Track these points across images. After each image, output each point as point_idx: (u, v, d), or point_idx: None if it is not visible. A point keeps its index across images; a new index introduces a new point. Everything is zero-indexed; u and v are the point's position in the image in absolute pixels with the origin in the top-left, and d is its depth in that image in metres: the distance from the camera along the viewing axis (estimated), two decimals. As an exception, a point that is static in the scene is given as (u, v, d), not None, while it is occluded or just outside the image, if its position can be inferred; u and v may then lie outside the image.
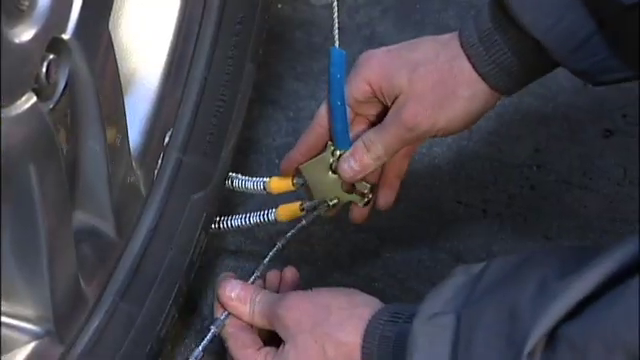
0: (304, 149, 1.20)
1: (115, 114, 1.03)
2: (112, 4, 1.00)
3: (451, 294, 0.96)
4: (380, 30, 1.65)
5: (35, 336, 0.98)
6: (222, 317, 1.13)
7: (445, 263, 1.41)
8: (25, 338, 0.98)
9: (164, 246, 1.16)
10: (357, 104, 1.16)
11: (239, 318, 1.13)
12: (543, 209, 1.47)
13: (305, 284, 1.38)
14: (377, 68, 1.14)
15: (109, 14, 1.00)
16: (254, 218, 1.23)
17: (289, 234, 1.21)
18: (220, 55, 1.20)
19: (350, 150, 1.17)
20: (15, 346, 0.97)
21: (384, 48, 1.16)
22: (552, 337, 0.83)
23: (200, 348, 1.13)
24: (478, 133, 1.55)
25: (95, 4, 0.94)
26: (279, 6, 1.62)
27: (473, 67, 1.10)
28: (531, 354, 0.84)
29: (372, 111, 1.18)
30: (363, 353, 1.01)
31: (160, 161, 1.16)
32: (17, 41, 0.84)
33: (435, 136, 1.15)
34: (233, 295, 1.13)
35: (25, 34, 0.85)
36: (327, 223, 1.41)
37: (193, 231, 1.20)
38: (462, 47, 1.10)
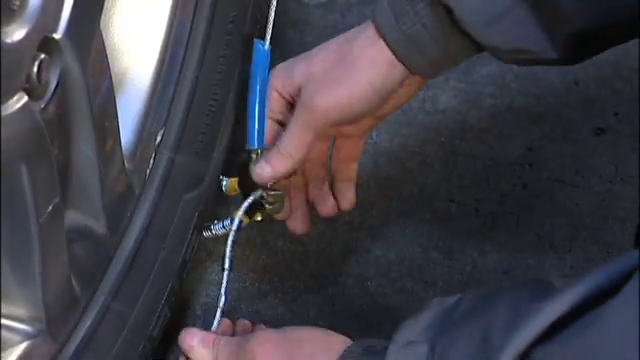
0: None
1: (107, 113, 1.03)
2: (103, 3, 1.00)
3: (426, 324, 0.95)
4: (372, 29, 1.65)
5: (27, 336, 0.98)
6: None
7: (437, 262, 1.41)
8: (17, 338, 0.98)
9: (156, 246, 1.16)
10: (278, 115, 1.13)
11: None
12: (535, 207, 1.48)
13: (297, 283, 1.39)
14: (279, 72, 1.10)
15: (100, 13, 1.00)
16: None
17: (229, 244, 1.16)
18: (212, 54, 1.20)
19: (262, 155, 1.12)
20: (7, 346, 0.97)
21: (288, 60, 1.13)
22: (526, 357, 0.82)
23: None
24: (470, 132, 1.55)
25: (86, 3, 0.94)
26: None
27: (381, 36, 1.06)
28: None
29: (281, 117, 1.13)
30: None
31: (152, 161, 1.15)
32: (8, 41, 0.84)
33: (347, 121, 1.10)
34: (195, 342, 1.09)
35: (16, 34, 0.85)
36: (319, 222, 1.41)
37: (185, 231, 1.20)
38: (374, 23, 1.07)
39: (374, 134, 1.53)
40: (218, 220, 1.18)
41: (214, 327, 1.13)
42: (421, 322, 0.96)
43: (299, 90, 1.09)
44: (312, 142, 1.09)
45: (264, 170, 1.10)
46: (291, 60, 1.11)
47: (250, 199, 1.15)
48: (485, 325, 0.87)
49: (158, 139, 1.16)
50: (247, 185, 1.15)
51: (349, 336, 1.03)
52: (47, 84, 0.92)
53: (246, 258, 1.40)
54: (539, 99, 1.59)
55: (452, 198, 1.48)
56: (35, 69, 0.89)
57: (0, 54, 0.82)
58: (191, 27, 1.17)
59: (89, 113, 0.98)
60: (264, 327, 1.14)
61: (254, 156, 1.12)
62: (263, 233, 1.42)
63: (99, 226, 1.06)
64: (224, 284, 1.14)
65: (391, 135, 1.54)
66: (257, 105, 1.11)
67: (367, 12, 1.66)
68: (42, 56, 0.89)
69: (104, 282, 1.09)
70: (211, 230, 1.18)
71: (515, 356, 0.82)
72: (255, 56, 1.10)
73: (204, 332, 1.10)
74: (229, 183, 1.18)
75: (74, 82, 0.95)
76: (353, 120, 1.10)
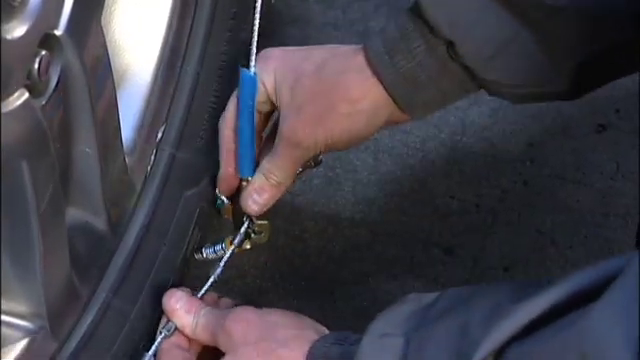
0: (232, 165, 1.15)
1: (108, 110, 1.03)
2: (104, 0, 1.00)
3: (401, 318, 0.94)
4: (373, 25, 1.65)
5: (28, 332, 0.98)
6: (172, 324, 1.11)
7: (438, 258, 1.41)
8: (18, 335, 0.98)
9: (157, 242, 1.16)
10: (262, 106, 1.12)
11: (181, 330, 1.10)
12: (536, 204, 1.48)
13: (298, 279, 1.39)
14: (270, 72, 1.09)
15: (101, 10, 1.00)
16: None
17: (222, 263, 1.16)
18: (213, 51, 1.20)
19: (250, 185, 1.12)
20: (8, 343, 0.97)
21: (282, 49, 1.12)
22: (500, 355, 0.82)
23: (150, 352, 1.10)
24: (471, 128, 1.55)
25: (87, 0, 0.94)
26: (272, 1, 1.62)
27: (375, 73, 1.05)
28: None
29: (264, 108, 1.12)
30: None
31: (153, 157, 1.15)
32: (9, 37, 0.84)
33: (331, 150, 1.11)
34: (178, 306, 1.10)
35: (17, 30, 0.85)
36: (320, 218, 1.41)
37: (186, 227, 1.20)
38: (367, 58, 1.06)
39: (375, 130, 1.53)
40: (210, 244, 1.19)
41: (200, 294, 1.13)
42: (397, 315, 0.95)
43: (279, 108, 1.09)
44: (298, 167, 1.11)
45: (256, 202, 1.13)
46: (280, 59, 1.09)
47: (243, 229, 1.16)
48: (463, 321, 0.87)
49: (159, 135, 1.16)
50: (238, 211, 1.16)
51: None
52: (48, 81, 0.92)
53: (247, 255, 1.40)
54: (540, 95, 1.59)
55: (453, 194, 1.48)
56: (36, 66, 0.89)
57: (0, 51, 0.82)
58: (192, 23, 1.17)
59: (90, 110, 0.98)
60: (245, 306, 1.14)
61: (244, 184, 1.13)
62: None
63: (100, 222, 1.06)
64: (225, 258, 1.16)
65: (392, 131, 1.54)
66: (246, 133, 1.11)
67: (368, 8, 1.66)
68: (43, 53, 0.89)
69: (105, 279, 1.09)
70: (202, 253, 1.20)
71: (491, 351, 0.82)
72: (241, 83, 1.10)
73: (189, 297, 1.11)
74: (226, 206, 1.18)
75: (75, 79, 0.95)
76: (337, 149, 1.12)
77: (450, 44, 1.02)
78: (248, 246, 1.19)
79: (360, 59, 1.07)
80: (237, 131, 1.12)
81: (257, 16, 1.10)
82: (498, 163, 1.52)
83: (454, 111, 1.57)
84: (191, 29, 1.17)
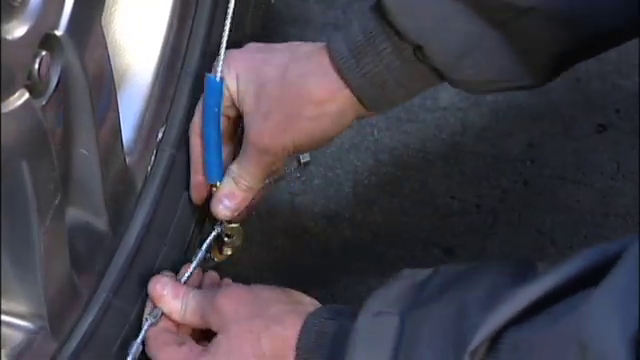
0: (201, 172, 1.15)
1: (108, 110, 1.03)
2: (105, 0, 1.00)
3: (396, 295, 0.94)
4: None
5: (28, 332, 0.98)
6: (159, 310, 1.09)
7: (438, 259, 1.41)
8: (18, 335, 0.98)
9: (158, 242, 1.16)
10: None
11: (169, 316, 1.09)
12: (537, 204, 1.48)
13: (298, 280, 1.39)
14: (233, 78, 1.09)
15: (102, 10, 1.00)
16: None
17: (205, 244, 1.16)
18: (213, 51, 1.20)
19: (220, 190, 1.13)
20: (8, 343, 0.97)
21: (243, 51, 1.11)
22: (496, 340, 0.82)
23: (138, 340, 1.08)
24: (472, 129, 1.55)
25: (88, 0, 0.94)
26: (272, 1, 1.62)
27: (341, 77, 1.05)
28: (473, 353, 0.82)
29: (231, 113, 1.12)
30: (297, 347, 0.99)
31: (153, 157, 1.15)
32: (9, 37, 0.84)
33: (299, 152, 1.12)
34: (165, 292, 1.09)
35: (17, 30, 0.85)
36: (320, 219, 1.41)
37: (187, 227, 1.20)
38: (331, 60, 1.05)
39: (375, 131, 1.54)
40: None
41: (184, 278, 1.12)
42: (391, 292, 0.95)
43: (244, 115, 1.09)
44: (268, 171, 1.11)
45: (227, 207, 1.12)
46: (246, 61, 1.09)
47: (213, 234, 1.16)
48: (460, 303, 0.87)
49: (159, 136, 1.16)
50: (210, 217, 1.17)
51: None
52: (48, 81, 0.92)
53: (247, 254, 1.40)
54: (540, 96, 1.59)
55: (453, 195, 1.48)
56: (36, 66, 0.89)
57: (1, 51, 0.82)
58: (192, 23, 1.17)
59: (90, 110, 0.98)
60: (230, 281, 1.14)
61: (214, 189, 1.13)
62: (264, 229, 1.42)
63: (100, 222, 1.06)
64: (209, 239, 1.15)
65: (392, 132, 1.54)
66: (212, 139, 1.11)
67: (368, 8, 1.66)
68: (43, 53, 0.89)
69: (105, 279, 1.09)
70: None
71: (488, 336, 0.82)
72: (207, 90, 1.11)
73: (174, 282, 1.10)
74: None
75: (75, 79, 0.95)
76: (306, 151, 1.13)
77: (418, 47, 1.02)
78: (229, 252, 1.18)
79: (324, 61, 1.06)
80: (203, 140, 1.12)
81: (228, 21, 1.10)
82: (498, 163, 1.52)
83: (454, 111, 1.57)
84: (191, 29, 1.17)
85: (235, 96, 1.10)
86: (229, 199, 1.13)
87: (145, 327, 1.09)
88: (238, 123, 1.14)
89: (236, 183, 1.12)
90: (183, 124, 1.18)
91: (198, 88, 1.15)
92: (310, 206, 1.46)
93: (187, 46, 1.18)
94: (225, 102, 1.10)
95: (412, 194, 1.48)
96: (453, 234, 1.44)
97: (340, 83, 1.06)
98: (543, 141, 1.54)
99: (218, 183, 1.13)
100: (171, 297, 1.09)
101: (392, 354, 0.90)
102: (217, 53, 1.12)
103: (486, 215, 1.46)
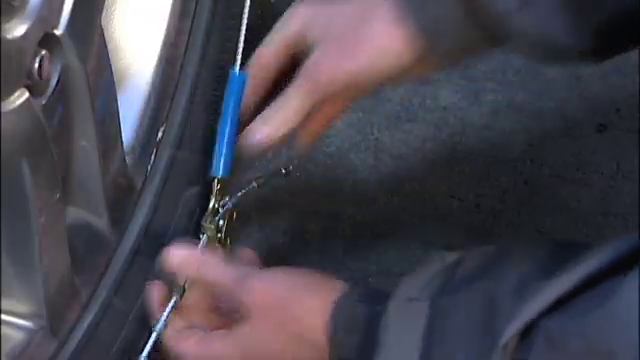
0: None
1: (108, 109, 1.03)
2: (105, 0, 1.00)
3: (426, 280, 0.94)
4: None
5: (28, 332, 0.98)
6: (162, 318, 1.06)
7: (439, 258, 1.41)
8: (18, 334, 0.98)
9: (157, 242, 1.16)
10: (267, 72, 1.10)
11: (204, 273, 1.06)
12: (536, 204, 1.48)
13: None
14: (300, 17, 1.08)
15: (102, 9, 1.00)
16: None
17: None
18: (213, 50, 1.20)
19: (258, 117, 1.08)
20: (8, 342, 0.97)
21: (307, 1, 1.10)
22: (529, 331, 0.82)
23: (144, 354, 1.05)
24: (471, 128, 1.55)
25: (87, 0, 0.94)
26: (272, 1, 1.62)
27: (406, 24, 1.03)
28: (505, 346, 0.82)
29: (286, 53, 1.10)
30: (328, 331, 0.98)
31: (153, 157, 1.15)
32: (9, 37, 0.84)
33: (348, 93, 1.09)
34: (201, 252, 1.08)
35: (17, 30, 0.85)
36: (321, 218, 1.41)
37: (187, 227, 1.20)
38: (396, 5, 1.04)
39: (375, 130, 1.53)
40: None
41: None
42: (422, 277, 0.95)
43: (310, 46, 1.07)
44: (310, 106, 1.07)
45: (262, 130, 1.07)
46: (309, 9, 1.08)
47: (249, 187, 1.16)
48: (491, 291, 0.87)
49: (159, 135, 1.16)
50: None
51: None
52: (48, 80, 0.92)
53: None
54: (540, 95, 1.59)
55: (453, 194, 1.48)
56: (36, 65, 0.89)
57: (0, 50, 0.82)
58: (192, 23, 1.17)
59: (90, 109, 0.98)
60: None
61: (215, 186, 1.12)
62: (264, 229, 1.42)
63: (100, 222, 1.06)
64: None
65: (392, 132, 1.54)
66: (228, 132, 1.10)
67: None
68: (43, 52, 0.89)
69: (105, 278, 1.09)
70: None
71: (521, 327, 0.82)
72: (230, 83, 1.09)
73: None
74: None
75: (75, 78, 0.95)
76: (353, 93, 1.10)
77: None
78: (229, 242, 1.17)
79: (389, 4, 1.05)
80: (218, 130, 1.11)
81: (245, 15, 1.10)
82: (498, 163, 1.52)
83: (454, 111, 1.57)
84: (191, 28, 1.17)
85: (302, 30, 1.07)
86: (264, 123, 1.07)
87: (153, 337, 1.06)
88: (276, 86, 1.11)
89: (277, 113, 1.07)
90: (183, 124, 1.18)
91: (198, 88, 1.15)
92: (310, 206, 1.46)
93: (187, 46, 1.18)
94: (286, 40, 1.08)
95: (412, 193, 1.48)
96: (453, 234, 1.44)
97: (400, 25, 1.04)
98: (543, 141, 1.54)
99: (217, 180, 1.12)
100: (208, 256, 1.08)
101: (423, 343, 0.90)
102: (217, 53, 1.12)
103: (486, 215, 1.46)
